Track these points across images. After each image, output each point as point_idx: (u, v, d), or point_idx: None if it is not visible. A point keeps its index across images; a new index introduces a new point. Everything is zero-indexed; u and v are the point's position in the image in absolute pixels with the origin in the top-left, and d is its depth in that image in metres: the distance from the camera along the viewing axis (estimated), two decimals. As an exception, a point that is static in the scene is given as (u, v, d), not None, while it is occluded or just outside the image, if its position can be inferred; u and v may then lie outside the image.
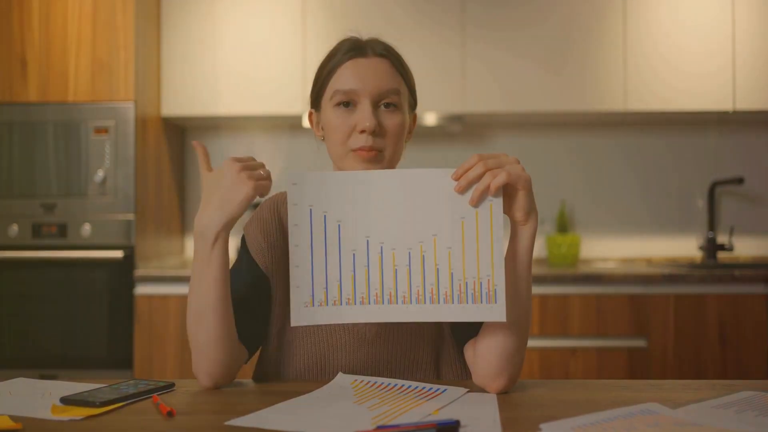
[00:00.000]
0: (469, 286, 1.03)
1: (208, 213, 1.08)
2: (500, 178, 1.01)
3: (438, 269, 1.04)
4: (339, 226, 1.06)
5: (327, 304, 1.05)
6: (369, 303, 1.05)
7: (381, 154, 1.21)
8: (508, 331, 1.08)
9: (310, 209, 1.06)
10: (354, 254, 1.05)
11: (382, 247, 1.05)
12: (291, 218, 1.06)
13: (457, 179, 1.04)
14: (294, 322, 1.06)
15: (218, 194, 1.08)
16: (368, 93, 1.20)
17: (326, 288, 1.05)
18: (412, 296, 1.04)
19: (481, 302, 1.03)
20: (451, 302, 1.03)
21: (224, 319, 1.11)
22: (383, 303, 1.05)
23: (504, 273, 1.03)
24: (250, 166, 1.09)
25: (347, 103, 1.21)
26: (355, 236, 1.06)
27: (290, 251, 1.06)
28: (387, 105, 1.21)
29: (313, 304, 1.05)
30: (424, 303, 1.04)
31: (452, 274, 1.03)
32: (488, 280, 1.03)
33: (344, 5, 3.08)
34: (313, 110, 1.31)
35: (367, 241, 1.05)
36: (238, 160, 1.10)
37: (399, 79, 1.24)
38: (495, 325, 1.08)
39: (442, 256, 1.04)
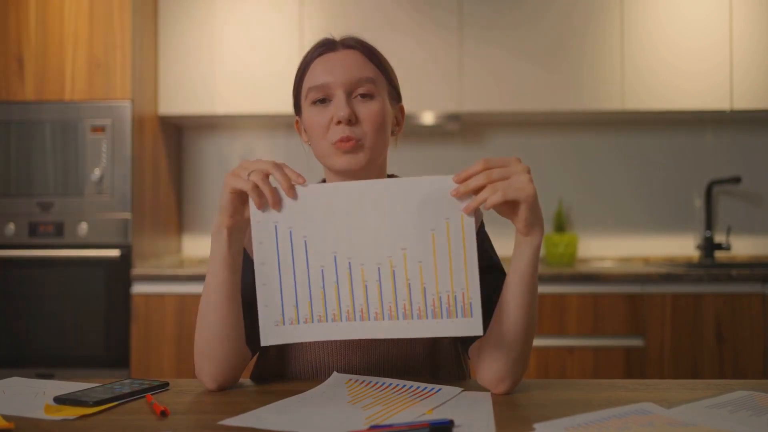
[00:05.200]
0: (443, 300, 0.99)
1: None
2: (496, 197, 0.96)
3: (410, 284, 1.00)
4: (305, 242, 1.02)
5: (298, 323, 1.02)
6: (341, 320, 1.01)
7: (360, 143, 1.17)
8: (512, 341, 1.06)
9: (275, 226, 1.02)
10: (322, 270, 1.01)
11: (350, 263, 1.01)
12: (255, 236, 1.02)
13: (459, 182, 0.99)
14: (264, 341, 1.03)
15: None
16: (340, 84, 1.18)
17: (296, 306, 1.02)
18: (384, 312, 1.00)
19: (456, 316, 0.99)
20: (425, 317, 0.99)
21: (227, 317, 1.10)
22: (355, 320, 1.01)
23: (478, 285, 0.99)
24: (239, 169, 1.04)
25: (323, 100, 1.19)
26: (322, 252, 1.01)
27: (256, 270, 1.03)
28: (363, 95, 1.19)
29: (284, 322, 1.02)
30: (398, 319, 1.00)
31: (425, 288, 0.99)
32: (462, 293, 0.99)
33: (342, 3, 3.08)
34: (298, 117, 1.29)
35: (335, 257, 1.01)
36: (243, 164, 1.05)
37: (372, 68, 1.21)
38: (498, 336, 1.06)
39: (413, 270, 1.00)
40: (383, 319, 1.01)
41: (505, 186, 0.97)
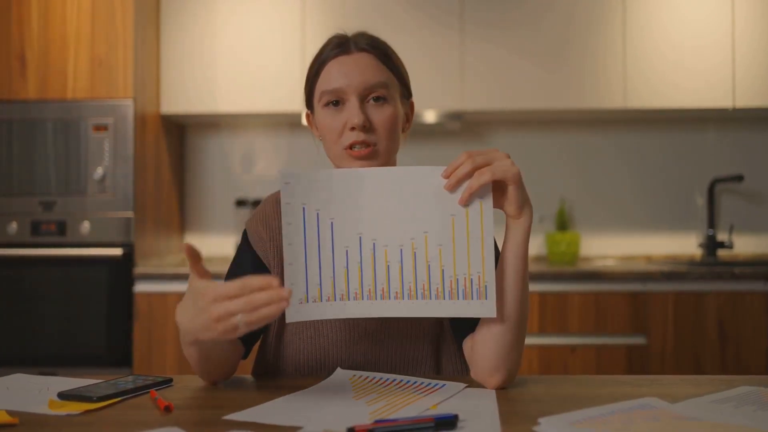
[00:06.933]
0: (459, 283, 1.04)
1: (185, 318, 0.99)
2: (484, 177, 1.02)
3: (429, 266, 1.05)
4: (332, 223, 1.06)
5: (321, 301, 1.06)
6: (362, 299, 1.06)
7: (374, 149, 1.20)
8: (505, 326, 1.08)
9: (303, 207, 1.06)
10: (347, 251, 1.06)
11: (374, 244, 1.06)
12: (284, 216, 1.06)
13: (446, 177, 1.05)
14: (289, 318, 1.06)
15: (193, 315, 0.96)
16: (354, 89, 1.19)
17: (320, 285, 1.06)
18: (404, 292, 1.06)
19: (472, 298, 1.04)
20: (442, 298, 1.05)
21: (211, 367, 1.13)
22: (376, 299, 1.06)
23: (494, 269, 1.04)
24: (227, 313, 0.92)
25: (336, 102, 1.21)
26: (348, 233, 1.06)
27: (284, 249, 1.06)
28: (376, 99, 1.20)
29: (308, 300, 1.06)
30: (416, 299, 1.06)
31: (443, 270, 1.05)
32: (479, 276, 1.04)
33: (343, 2, 3.08)
34: (309, 111, 1.30)
35: (360, 238, 1.06)
36: (219, 296, 0.92)
37: (385, 72, 1.23)
38: (491, 321, 1.08)
39: (433, 253, 1.05)
40: (402, 299, 1.06)
41: (490, 168, 1.02)
